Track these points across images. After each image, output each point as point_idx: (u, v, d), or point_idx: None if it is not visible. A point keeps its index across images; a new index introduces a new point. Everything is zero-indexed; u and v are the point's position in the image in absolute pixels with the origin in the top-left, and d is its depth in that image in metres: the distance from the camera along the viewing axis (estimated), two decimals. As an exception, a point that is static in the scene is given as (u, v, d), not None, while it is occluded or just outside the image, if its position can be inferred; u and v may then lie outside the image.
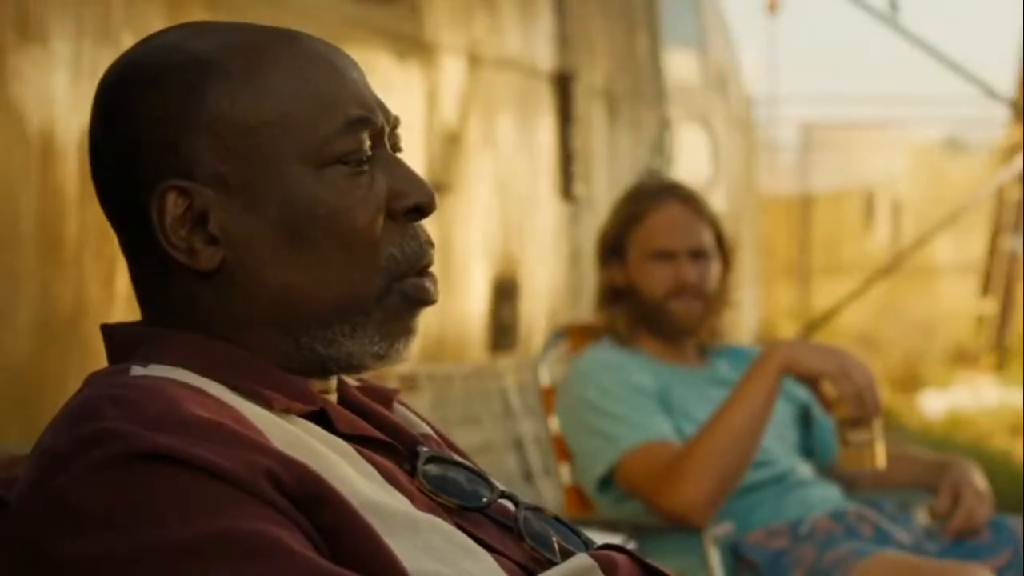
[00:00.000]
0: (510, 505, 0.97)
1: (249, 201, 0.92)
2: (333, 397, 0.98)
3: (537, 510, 0.99)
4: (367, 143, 0.94)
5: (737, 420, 2.02)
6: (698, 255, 2.27)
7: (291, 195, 0.92)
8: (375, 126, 0.95)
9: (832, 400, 1.96)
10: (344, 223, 0.93)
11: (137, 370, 0.91)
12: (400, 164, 0.96)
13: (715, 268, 2.29)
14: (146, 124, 0.93)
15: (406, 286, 0.95)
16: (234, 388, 0.90)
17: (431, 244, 0.96)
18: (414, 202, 0.95)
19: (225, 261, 0.92)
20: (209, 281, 0.93)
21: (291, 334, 0.94)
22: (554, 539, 0.97)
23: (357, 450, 0.92)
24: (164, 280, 0.94)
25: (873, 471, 1.99)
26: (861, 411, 1.94)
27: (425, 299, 0.95)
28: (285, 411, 0.91)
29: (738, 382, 2.10)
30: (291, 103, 0.93)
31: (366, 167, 0.94)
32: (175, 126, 0.92)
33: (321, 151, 0.93)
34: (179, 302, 0.94)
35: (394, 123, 0.97)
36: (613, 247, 2.31)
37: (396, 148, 0.97)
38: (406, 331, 0.95)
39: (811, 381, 1.99)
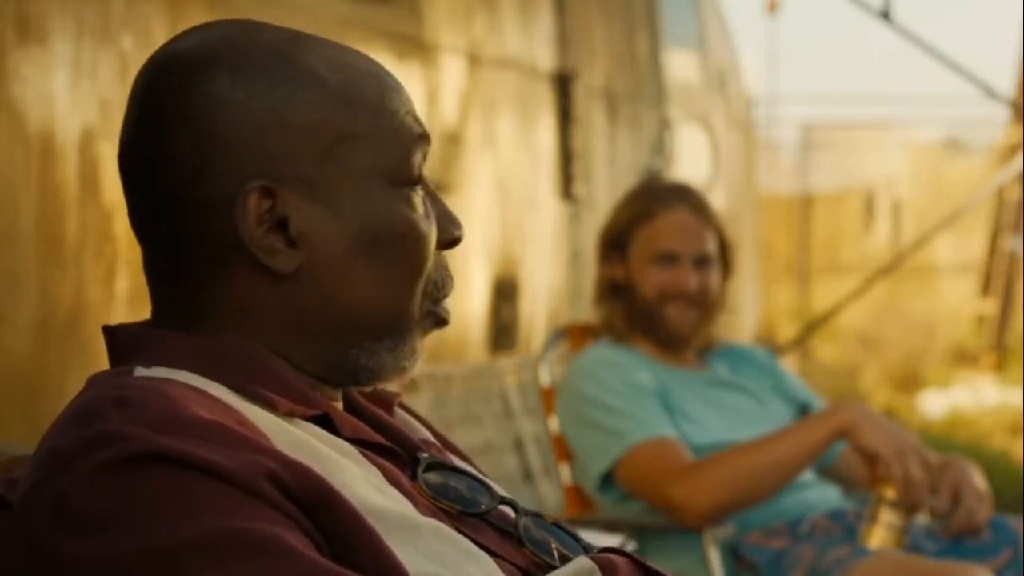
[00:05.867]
0: (510, 511, 0.98)
1: (332, 209, 0.93)
2: (339, 403, 0.98)
3: (537, 516, 0.99)
4: (420, 167, 0.98)
5: (773, 454, 2.03)
6: (702, 262, 2.27)
7: (372, 209, 0.94)
8: (428, 146, 0.98)
9: (880, 477, 1.96)
10: (413, 244, 0.96)
11: (140, 371, 0.91)
12: (439, 197, 1.00)
13: (716, 275, 2.29)
14: (238, 117, 0.92)
15: (438, 310, 0.99)
16: (238, 390, 0.91)
17: (451, 275, 1.00)
18: (454, 235, 0.99)
19: (300, 266, 0.93)
20: (276, 284, 0.93)
21: (342, 343, 0.95)
22: (553, 545, 0.98)
23: (361, 452, 0.93)
24: (216, 276, 0.93)
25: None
26: (903, 500, 1.94)
27: (447, 322, 1.00)
28: (289, 414, 0.91)
29: (796, 423, 2.11)
30: (378, 118, 0.95)
31: (420, 191, 0.97)
32: (270, 124, 0.92)
33: (398, 170, 0.95)
34: (231, 300, 0.94)
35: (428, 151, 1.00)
36: (617, 242, 2.31)
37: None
38: (421, 350, 1.00)
39: (864, 454, 1.99)
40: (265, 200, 0.92)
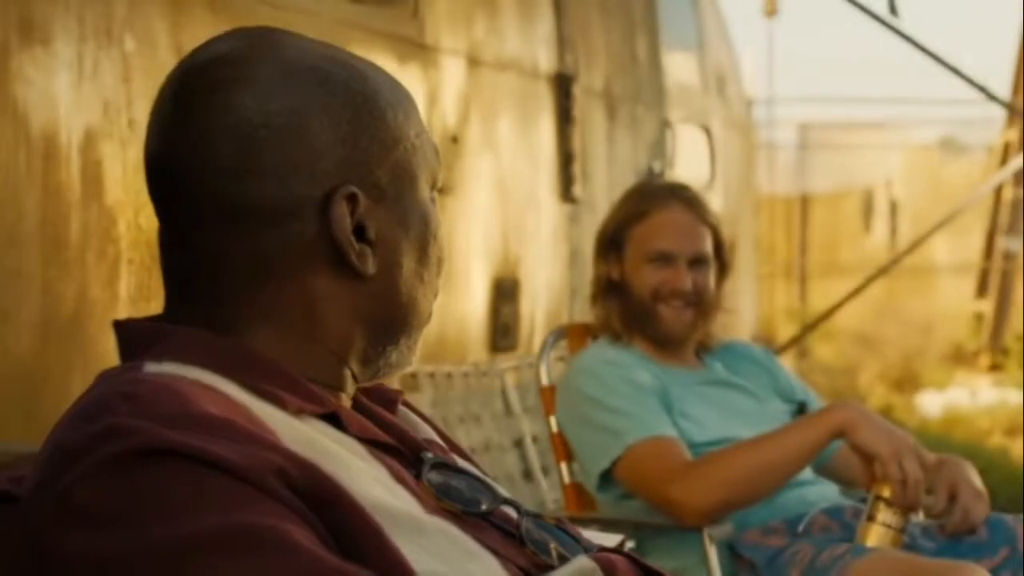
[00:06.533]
0: (512, 512, 0.99)
1: (397, 213, 0.97)
2: (347, 402, 0.99)
3: (538, 517, 1.00)
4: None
5: (771, 453, 2.03)
6: (697, 262, 2.27)
7: (424, 214, 0.99)
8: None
9: (877, 476, 1.97)
10: (440, 247, 1.02)
11: (150, 367, 0.91)
12: None
13: (712, 274, 2.29)
14: (320, 124, 0.94)
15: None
16: (247, 387, 0.91)
17: None
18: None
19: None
20: (351, 285, 0.96)
21: (383, 342, 0.99)
22: (552, 545, 0.99)
23: (368, 451, 0.93)
24: (292, 277, 0.94)
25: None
26: (901, 500, 1.95)
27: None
28: (298, 412, 0.92)
29: (793, 422, 2.12)
30: (421, 126, 1.01)
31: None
32: (349, 132, 0.95)
33: (434, 175, 1.01)
34: (302, 301, 0.95)
35: None
36: (612, 241, 2.31)
37: None
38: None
39: (862, 453, 1.99)
40: (348, 205, 0.94)
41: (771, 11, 10.84)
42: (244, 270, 0.94)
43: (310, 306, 0.95)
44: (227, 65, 0.94)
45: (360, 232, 0.95)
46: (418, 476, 0.96)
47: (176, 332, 0.94)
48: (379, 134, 0.96)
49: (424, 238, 0.99)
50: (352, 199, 0.94)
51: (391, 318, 0.98)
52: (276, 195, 0.93)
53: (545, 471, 3.79)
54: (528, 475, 3.81)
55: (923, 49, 5.70)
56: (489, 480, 1.02)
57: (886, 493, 1.96)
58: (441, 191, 1.05)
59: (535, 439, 3.83)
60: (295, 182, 0.93)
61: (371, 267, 0.95)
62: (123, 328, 0.96)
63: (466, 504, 0.97)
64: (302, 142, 0.93)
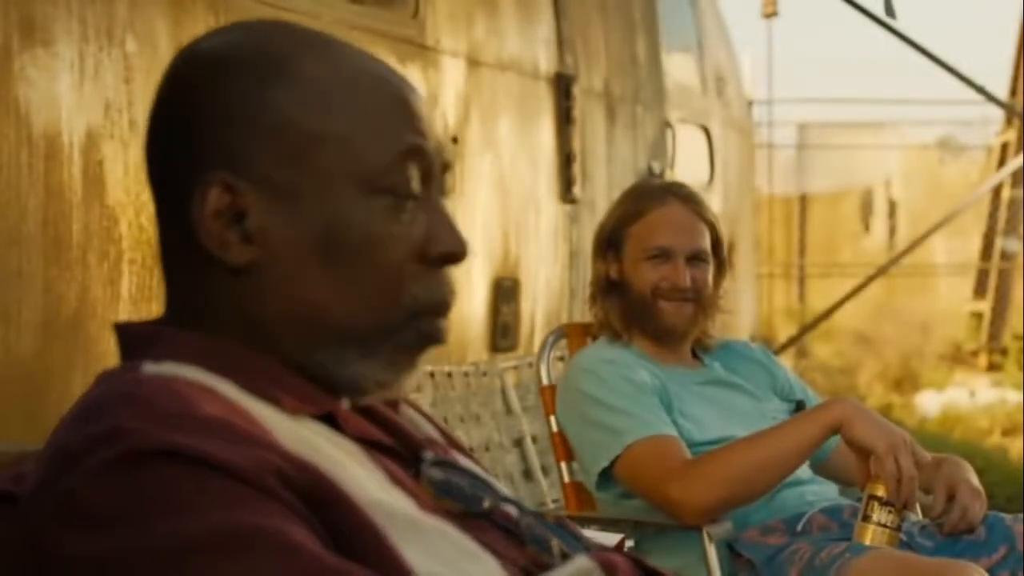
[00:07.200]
0: (512, 510, 0.99)
1: (292, 210, 0.93)
2: (346, 402, 0.98)
3: (539, 515, 1.00)
4: (416, 179, 0.95)
5: (769, 451, 2.03)
6: (696, 258, 2.28)
7: (334, 214, 0.93)
8: (427, 159, 0.96)
9: (872, 475, 1.96)
10: (377, 254, 0.93)
11: (148, 368, 0.91)
12: (442, 211, 0.97)
13: (710, 271, 2.30)
14: (209, 112, 0.93)
15: (423, 324, 0.96)
16: (244, 388, 0.91)
17: (454, 292, 0.97)
18: (446, 250, 0.95)
19: (255, 262, 0.93)
20: (236, 279, 0.93)
21: (305, 347, 0.94)
22: (554, 542, 0.99)
23: (365, 451, 0.93)
24: (190, 270, 0.95)
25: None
26: (895, 497, 1.94)
27: (438, 340, 0.97)
28: (295, 412, 0.92)
29: (790, 418, 2.12)
30: (357, 123, 0.94)
31: (410, 204, 0.95)
32: (239, 121, 0.93)
33: (373, 178, 0.94)
34: (202, 295, 0.95)
35: (446, 166, 0.98)
36: (610, 240, 2.32)
37: (442, 191, 0.98)
38: (411, 365, 0.97)
39: (857, 449, 1.99)
40: (226, 194, 0.92)
41: (770, 12, 10.85)
42: (162, 260, 0.97)
43: (201, 298, 0.95)
44: (181, 55, 0.97)
45: (240, 222, 0.93)
46: (417, 475, 0.96)
47: (173, 333, 0.95)
48: (278, 127, 0.92)
49: (336, 240, 0.92)
50: (229, 188, 0.92)
51: (288, 319, 0.93)
52: (164, 179, 0.95)
53: (545, 470, 3.80)
54: (528, 474, 3.82)
55: (921, 50, 5.71)
56: (490, 478, 1.02)
57: (880, 492, 1.96)
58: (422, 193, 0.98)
59: (535, 439, 3.84)
60: (176, 166, 0.94)
61: (236, 257, 0.92)
62: (123, 331, 0.97)
63: (468, 501, 0.96)
64: (190, 126, 0.93)
